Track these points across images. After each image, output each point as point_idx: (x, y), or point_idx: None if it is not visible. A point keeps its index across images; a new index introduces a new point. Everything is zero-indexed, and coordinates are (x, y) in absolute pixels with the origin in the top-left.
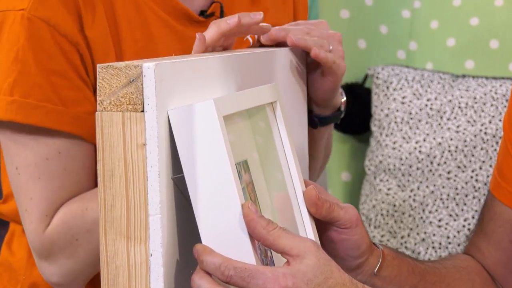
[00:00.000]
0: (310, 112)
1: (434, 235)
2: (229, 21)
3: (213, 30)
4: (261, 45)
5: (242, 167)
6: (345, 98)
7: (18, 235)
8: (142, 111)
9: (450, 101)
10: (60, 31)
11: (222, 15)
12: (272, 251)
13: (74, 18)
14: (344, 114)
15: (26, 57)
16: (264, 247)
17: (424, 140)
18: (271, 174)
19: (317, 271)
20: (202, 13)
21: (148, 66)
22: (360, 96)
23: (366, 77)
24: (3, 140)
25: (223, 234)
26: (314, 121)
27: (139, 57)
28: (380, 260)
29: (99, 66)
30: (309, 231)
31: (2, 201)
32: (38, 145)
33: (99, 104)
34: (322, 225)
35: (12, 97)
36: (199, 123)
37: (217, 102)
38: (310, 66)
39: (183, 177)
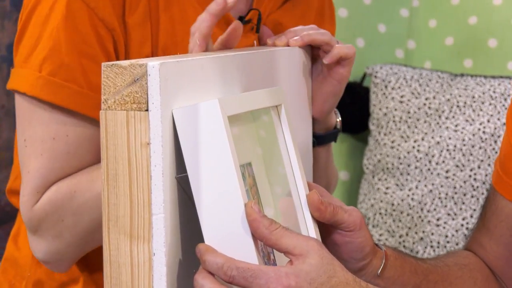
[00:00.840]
0: None
1: (432, 234)
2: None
3: (203, 15)
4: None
5: (246, 170)
6: (340, 118)
7: (25, 229)
8: (147, 110)
9: (448, 100)
10: (98, 15)
11: (259, 22)
12: (275, 254)
13: (117, 2)
14: (343, 113)
15: (59, 35)
16: (267, 249)
17: (423, 139)
18: (275, 177)
19: (320, 270)
20: (241, 18)
21: (153, 65)
22: (358, 95)
23: (364, 76)
24: (20, 110)
25: (226, 234)
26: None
27: (174, 51)
28: (383, 261)
29: (103, 65)
30: (312, 234)
31: (14, 177)
32: (50, 123)
33: (103, 102)
34: (326, 228)
35: (40, 73)
36: (203, 123)
37: (221, 101)
38: (312, 70)
39: (186, 176)
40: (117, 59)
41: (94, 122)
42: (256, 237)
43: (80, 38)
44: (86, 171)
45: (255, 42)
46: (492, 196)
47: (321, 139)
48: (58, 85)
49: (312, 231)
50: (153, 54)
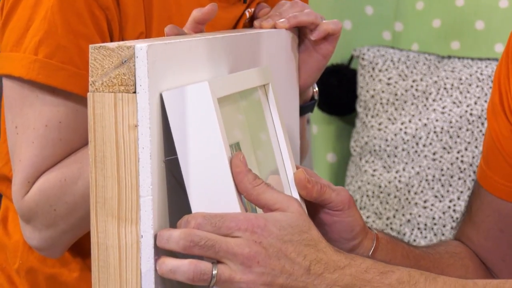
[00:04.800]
0: None
1: (419, 216)
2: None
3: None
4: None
5: (235, 149)
6: (316, 89)
7: (13, 214)
8: (134, 92)
9: (435, 82)
10: None
11: None
12: None
13: None
14: (330, 95)
15: (54, 17)
16: None
17: (410, 121)
18: (262, 156)
19: (294, 223)
20: None
21: (141, 47)
22: (345, 77)
23: (351, 58)
24: (10, 96)
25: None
26: None
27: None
28: (375, 243)
29: (91, 47)
30: None
31: (3, 164)
32: (43, 109)
33: (91, 85)
34: (315, 208)
35: (36, 56)
36: (193, 105)
37: (211, 83)
38: (299, 46)
39: (174, 159)
40: (111, 38)
41: None
42: (238, 190)
43: (75, 19)
44: (75, 156)
45: (247, 13)
46: (477, 191)
47: (301, 110)
48: (56, 68)
49: None
50: (147, 30)
